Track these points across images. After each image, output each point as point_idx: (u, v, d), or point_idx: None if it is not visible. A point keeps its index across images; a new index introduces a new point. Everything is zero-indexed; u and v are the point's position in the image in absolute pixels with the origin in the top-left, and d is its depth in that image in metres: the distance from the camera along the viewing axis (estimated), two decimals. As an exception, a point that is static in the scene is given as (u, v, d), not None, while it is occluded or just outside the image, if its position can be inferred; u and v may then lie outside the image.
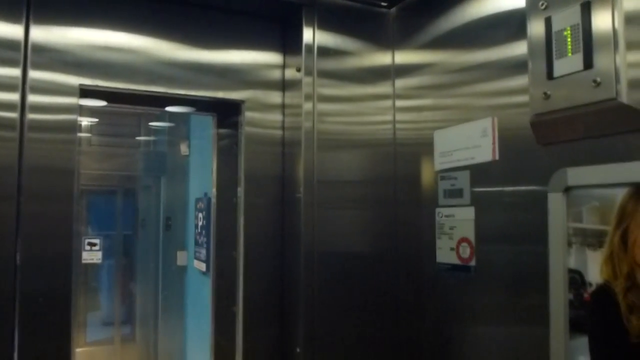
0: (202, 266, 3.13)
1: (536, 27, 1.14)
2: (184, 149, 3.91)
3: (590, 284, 1.05)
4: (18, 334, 1.34)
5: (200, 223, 3.29)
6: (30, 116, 1.37)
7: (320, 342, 1.54)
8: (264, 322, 1.65)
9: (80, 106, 1.45)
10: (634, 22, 0.98)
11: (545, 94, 1.11)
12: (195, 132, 3.84)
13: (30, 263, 1.36)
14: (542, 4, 1.12)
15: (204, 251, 3.11)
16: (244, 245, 1.65)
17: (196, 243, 3.38)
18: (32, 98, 1.38)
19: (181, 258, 3.77)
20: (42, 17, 1.40)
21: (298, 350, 1.55)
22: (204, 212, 3.18)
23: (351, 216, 1.62)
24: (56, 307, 1.39)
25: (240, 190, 1.66)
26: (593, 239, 1.05)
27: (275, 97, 1.69)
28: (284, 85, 1.70)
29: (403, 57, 1.66)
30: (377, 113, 1.67)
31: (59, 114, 1.41)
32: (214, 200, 1.86)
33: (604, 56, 1.00)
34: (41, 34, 1.40)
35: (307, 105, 1.58)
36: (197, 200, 3.39)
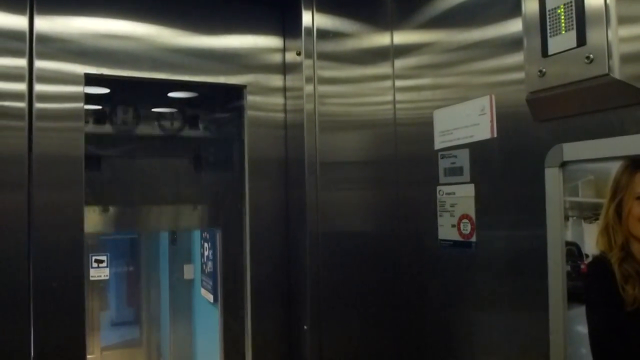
0: (210, 297, 3.01)
1: (530, 5, 1.15)
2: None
3: (587, 256, 1.08)
4: (33, 316, 1.38)
5: (206, 253, 3.18)
6: (38, 105, 1.40)
7: (326, 319, 1.58)
8: (271, 302, 1.69)
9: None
10: (625, -1, 0.99)
11: (540, 71, 1.13)
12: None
13: (43, 249, 1.39)
14: (536, -18, 1.13)
15: (211, 281, 2.99)
16: (250, 229, 1.68)
17: (203, 272, 3.26)
18: (39, 87, 1.41)
19: (188, 271, 3.69)
20: (45, 7, 1.42)
21: (305, 327, 1.59)
22: (209, 243, 3.08)
23: (354, 196, 1.64)
24: (69, 291, 1.43)
25: (245, 174, 1.69)
26: (589, 212, 1.07)
27: (276, 80, 1.71)
28: (284, 69, 1.72)
29: (402, 37, 1.68)
30: (377, 94, 1.69)
31: (65, 102, 1.44)
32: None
33: (596, 32, 1.01)
34: (45, 23, 1.43)
35: (308, 88, 1.60)
36: (202, 231, 3.27)
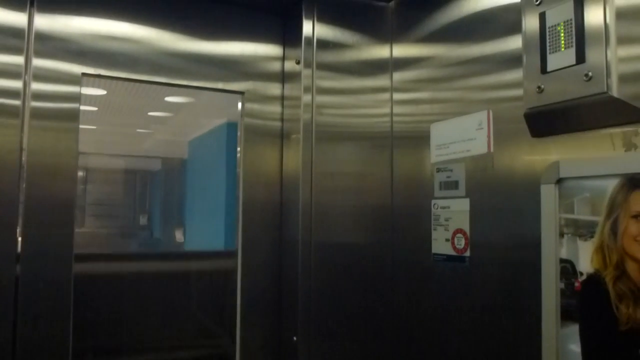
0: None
1: (531, 22, 1.16)
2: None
3: (581, 273, 1.07)
4: (19, 317, 1.36)
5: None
6: (33, 104, 1.39)
7: (316, 330, 1.57)
8: (261, 311, 1.67)
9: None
10: (624, 18, 1.00)
11: (539, 87, 1.13)
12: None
13: (32, 248, 1.38)
14: (537, 0, 1.14)
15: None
16: (242, 237, 1.67)
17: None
18: (35, 86, 1.40)
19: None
20: (46, 6, 1.42)
21: (295, 338, 1.57)
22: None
23: (348, 207, 1.64)
24: (57, 288, 1.41)
25: (240, 182, 1.68)
26: (584, 230, 1.07)
27: (274, 88, 1.71)
28: (283, 77, 1.72)
29: (401, 50, 1.68)
30: (375, 106, 1.69)
31: (61, 102, 1.43)
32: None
33: (595, 51, 1.02)
34: (45, 22, 1.42)
35: (306, 98, 1.60)
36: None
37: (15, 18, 1.38)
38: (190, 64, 1.60)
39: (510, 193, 1.27)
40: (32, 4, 1.40)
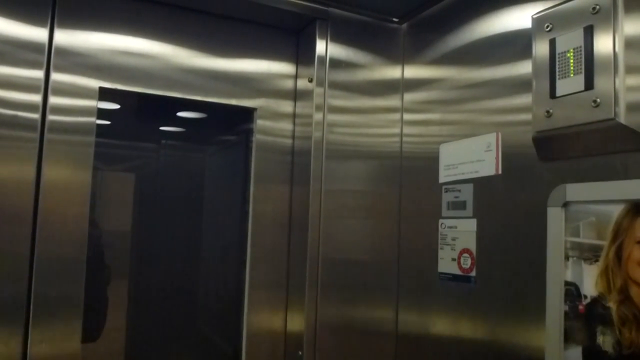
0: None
1: (541, 48, 1.18)
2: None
3: (585, 297, 1.09)
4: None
5: None
6: (51, 117, 1.42)
7: (322, 347, 1.58)
8: (268, 325, 1.68)
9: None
10: (633, 47, 1.02)
11: (547, 112, 1.15)
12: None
13: (46, 260, 1.39)
14: (547, 26, 1.17)
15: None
16: (251, 251, 1.68)
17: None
18: (53, 100, 1.43)
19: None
20: (66, 22, 1.45)
21: (300, 353, 1.58)
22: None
23: (356, 225, 1.65)
24: (70, 303, 1.43)
25: (250, 199, 1.70)
26: (589, 253, 1.08)
27: (286, 106, 1.74)
28: (295, 95, 1.75)
29: (412, 71, 1.71)
30: (385, 125, 1.72)
31: (78, 115, 1.46)
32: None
33: (604, 78, 1.04)
34: (65, 37, 1.46)
35: (318, 116, 1.63)
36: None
37: (36, 33, 1.41)
38: (205, 80, 1.63)
39: (517, 215, 1.28)
40: (52, 20, 1.44)
